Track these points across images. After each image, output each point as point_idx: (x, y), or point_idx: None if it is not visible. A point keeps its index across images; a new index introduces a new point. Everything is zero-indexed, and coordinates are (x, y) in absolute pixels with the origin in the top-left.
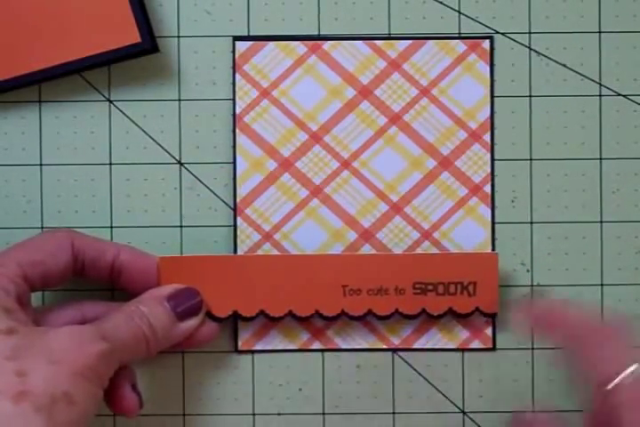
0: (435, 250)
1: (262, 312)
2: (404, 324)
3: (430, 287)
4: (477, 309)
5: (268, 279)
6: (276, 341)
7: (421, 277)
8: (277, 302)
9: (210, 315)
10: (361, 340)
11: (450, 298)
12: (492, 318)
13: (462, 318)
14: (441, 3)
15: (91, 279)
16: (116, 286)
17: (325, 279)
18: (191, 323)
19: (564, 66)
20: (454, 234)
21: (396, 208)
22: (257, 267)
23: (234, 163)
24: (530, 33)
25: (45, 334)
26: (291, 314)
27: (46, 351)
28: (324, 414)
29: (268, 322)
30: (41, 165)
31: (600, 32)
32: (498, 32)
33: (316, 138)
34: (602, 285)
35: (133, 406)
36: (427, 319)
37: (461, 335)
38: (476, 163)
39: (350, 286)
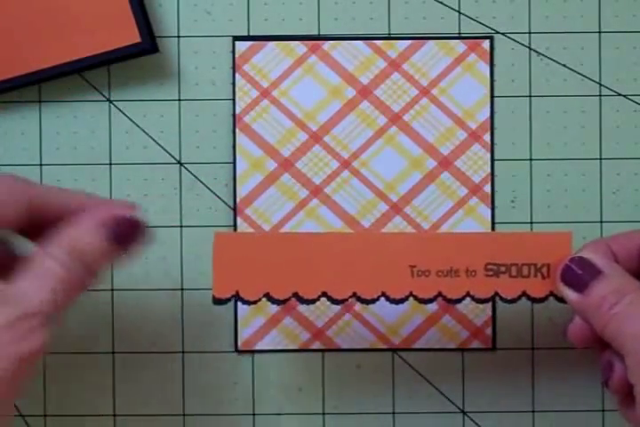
0: None
1: (325, 294)
2: (404, 323)
3: (503, 269)
4: (551, 293)
5: (330, 259)
6: (276, 341)
7: (493, 258)
8: (341, 284)
9: (269, 297)
10: (361, 340)
11: (523, 281)
12: (565, 302)
13: (537, 302)
14: (441, 3)
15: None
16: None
17: (392, 259)
18: (132, 248)
19: (564, 66)
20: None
21: (396, 208)
22: (319, 246)
23: (234, 163)
24: (530, 33)
25: None
26: (355, 296)
27: None
28: (323, 414)
29: (269, 322)
30: (41, 165)
31: (600, 32)
32: (498, 32)
33: (315, 138)
34: None
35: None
36: (427, 319)
37: (461, 335)
38: (475, 163)
39: (419, 266)
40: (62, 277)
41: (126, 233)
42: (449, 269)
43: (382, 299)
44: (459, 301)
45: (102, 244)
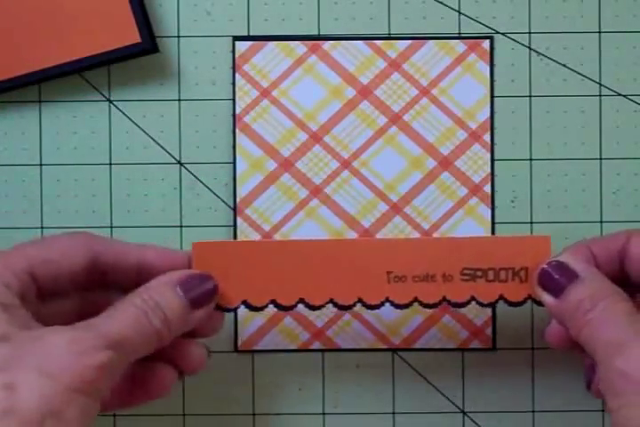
0: None
1: (302, 301)
2: (404, 324)
3: (480, 274)
4: (529, 296)
5: (307, 266)
6: (275, 341)
7: (470, 263)
8: (318, 290)
9: (247, 304)
10: (361, 340)
11: (500, 285)
12: (543, 306)
13: (514, 306)
14: (441, 3)
15: (118, 286)
16: None
17: (369, 265)
18: (205, 310)
19: (564, 66)
20: (454, 234)
21: (396, 208)
22: (297, 252)
23: (234, 163)
24: (530, 33)
25: (41, 342)
26: (332, 302)
27: (39, 362)
28: (323, 414)
29: (269, 322)
30: (41, 165)
31: (600, 32)
32: (498, 32)
33: (316, 138)
34: None
35: (201, 360)
36: (427, 319)
37: (461, 335)
38: (475, 163)
39: (395, 272)
40: (140, 321)
41: (200, 291)
42: (425, 274)
43: (359, 305)
44: (435, 305)
45: (180, 300)
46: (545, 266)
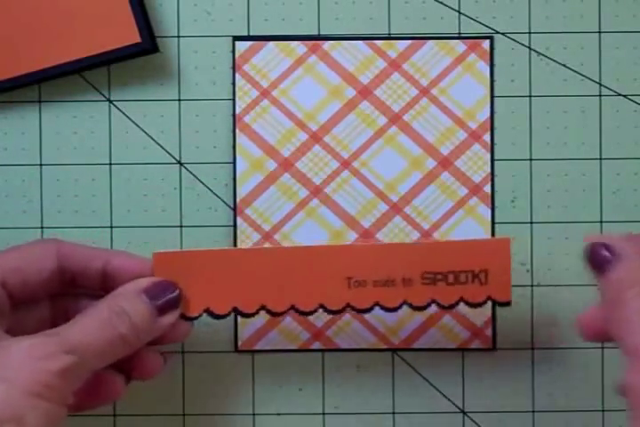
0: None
1: (263, 307)
2: (404, 324)
3: (440, 277)
4: (489, 297)
5: (267, 273)
6: (275, 341)
7: (430, 267)
8: (279, 297)
9: (209, 312)
10: (361, 340)
11: (460, 288)
12: (504, 306)
13: (473, 307)
14: (441, 3)
15: (83, 289)
16: None
17: (328, 271)
18: (170, 317)
19: (564, 66)
20: (454, 234)
21: (396, 208)
22: (256, 260)
23: (234, 163)
24: (530, 33)
25: (5, 349)
26: (293, 308)
27: (1, 368)
28: (323, 414)
29: (269, 322)
30: (41, 165)
31: (600, 32)
32: (498, 32)
33: (315, 138)
34: None
35: (157, 368)
36: (427, 319)
37: (461, 335)
38: (475, 163)
39: (355, 277)
40: (105, 327)
41: (165, 298)
42: (385, 279)
43: (320, 310)
44: (395, 309)
45: (146, 306)
46: (595, 242)
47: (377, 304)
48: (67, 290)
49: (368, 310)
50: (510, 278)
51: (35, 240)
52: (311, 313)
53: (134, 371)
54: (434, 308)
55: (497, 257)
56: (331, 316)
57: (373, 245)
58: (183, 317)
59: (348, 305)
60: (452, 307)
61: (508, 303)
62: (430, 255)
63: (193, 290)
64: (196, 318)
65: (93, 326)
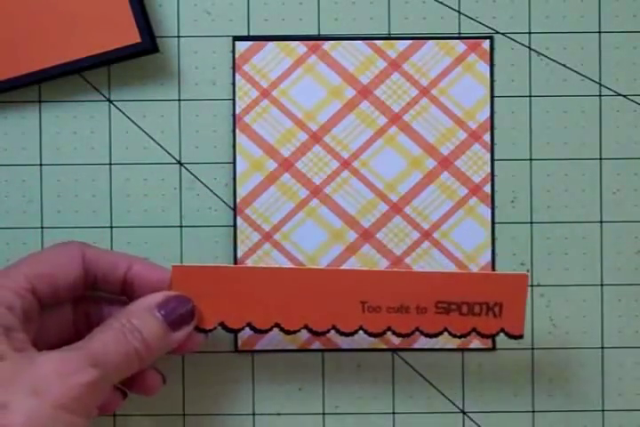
0: (435, 250)
1: (277, 325)
2: None
3: (454, 307)
4: (502, 330)
5: (283, 292)
6: (275, 341)
7: (444, 297)
8: (293, 316)
9: (223, 326)
10: (361, 340)
11: (474, 319)
12: (517, 339)
13: (485, 337)
14: (441, 3)
15: (104, 293)
16: (130, 299)
17: (344, 295)
18: (183, 332)
19: (564, 66)
20: (454, 234)
21: (396, 208)
22: (273, 279)
23: (234, 163)
24: (530, 33)
25: (32, 362)
26: (306, 328)
27: (30, 382)
28: (324, 414)
29: None
30: (41, 165)
31: (600, 32)
32: (498, 32)
33: (315, 138)
34: (602, 285)
35: (156, 386)
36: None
37: None
38: (475, 163)
39: (370, 302)
40: (120, 342)
41: (178, 313)
42: (399, 305)
43: (332, 331)
44: (407, 335)
45: (158, 322)
46: None
47: (389, 329)
48: (89, 294)
49: (380, 335)
50: (524, 313)
51: (59, 244)
52: (324, 333)
53: (134, 388)
54: (445, 336)
55: (513, 291)
56: None
57: (389, 272)
58: (197, 329)
59: (361, 328)
60: (463, 336)
61: (520, 336)
62: (445, 285)
63: (209, 303)
64: (210, 330)
65: (112, 341)
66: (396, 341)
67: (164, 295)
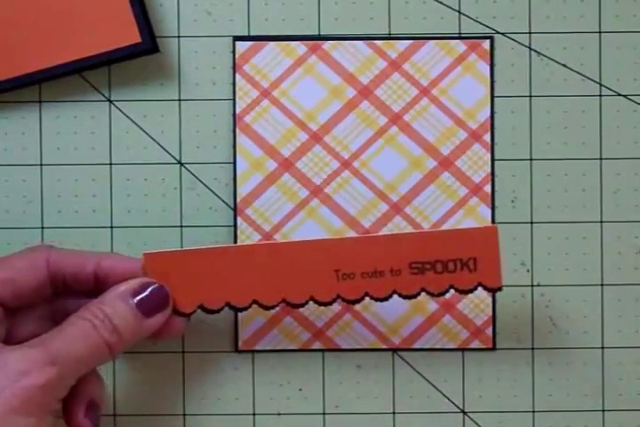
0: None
1: (255, 302)
2: (404, 323)
3: (428, 266)
4: (480, 284)
5: (258, 269)
6: (275, 341)
7: (417, 257)
8: (270, 291)
9: (203, 308)
10: (361, 340)
11: (449, 276)
12: (495, 292)
13: (464, 293)
14: (441, 3)
15: (77, 295)
16: None
17: (317, 265)
18: (158, 318)
19: (564, 66)
20: None
21: (397, 208)
22: (245, 257)
23: (234, 163)
24: (530, 33)
25: None
26: (284, 301)
27: None
28: (324, 414)
29: (269, 322)
30: (41, 165)
31: (600, 32)
32: (498, 32)
33: (316, 138)
34: (602, 285)
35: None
36: (427, 319)
37: (461, 335)
38: (475, 163)
39: (343, 270)
40: (89, 334)
41: (152, 300)
42: (373, 270)
43: (310, 302)
44: (385, 299)
45: (131, 309)
46: None
47: (367, 295)
48: (62, 293)
49: (358, 301)
50: (500, 265)
51: (25, 249)
52: (302, 305)
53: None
54: (424, 296)
55: (485, 245)
56: (331, 316)
57: (360, 238)
58: (177, 313)
59: (338, 296)
60: (441, 294)
61: (499, 289)
62: (417, 246)
63: (186, 287)
64: (190, 314)
65: (76, 335)
66: (396, 341)
67: (135, 282)
